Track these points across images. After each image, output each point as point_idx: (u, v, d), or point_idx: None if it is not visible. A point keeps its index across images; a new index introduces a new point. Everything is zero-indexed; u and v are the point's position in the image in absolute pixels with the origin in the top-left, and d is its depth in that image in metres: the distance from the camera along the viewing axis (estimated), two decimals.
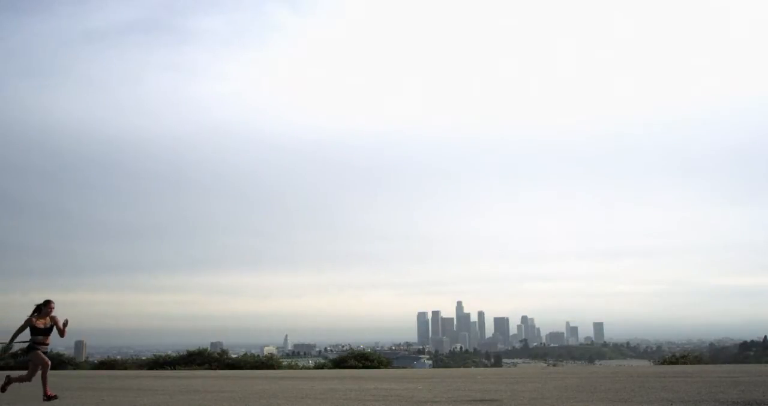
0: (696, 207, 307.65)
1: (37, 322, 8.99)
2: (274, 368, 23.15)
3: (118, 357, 35.42)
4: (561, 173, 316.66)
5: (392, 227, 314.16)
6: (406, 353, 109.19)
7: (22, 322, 8.99)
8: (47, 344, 9.04)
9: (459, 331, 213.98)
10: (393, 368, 24.79)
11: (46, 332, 8.99)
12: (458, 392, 9.01)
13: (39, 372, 9.08)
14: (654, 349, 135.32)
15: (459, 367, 60.56)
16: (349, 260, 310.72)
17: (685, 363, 20.00)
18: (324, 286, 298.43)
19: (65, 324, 9.19)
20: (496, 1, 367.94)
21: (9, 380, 9.36)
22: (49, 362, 9.08)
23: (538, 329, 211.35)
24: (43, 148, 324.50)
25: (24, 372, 9.31)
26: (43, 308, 9.03)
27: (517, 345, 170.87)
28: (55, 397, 8.87)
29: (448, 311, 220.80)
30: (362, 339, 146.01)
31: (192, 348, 25.91)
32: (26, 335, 9.13)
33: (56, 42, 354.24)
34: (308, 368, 25.61)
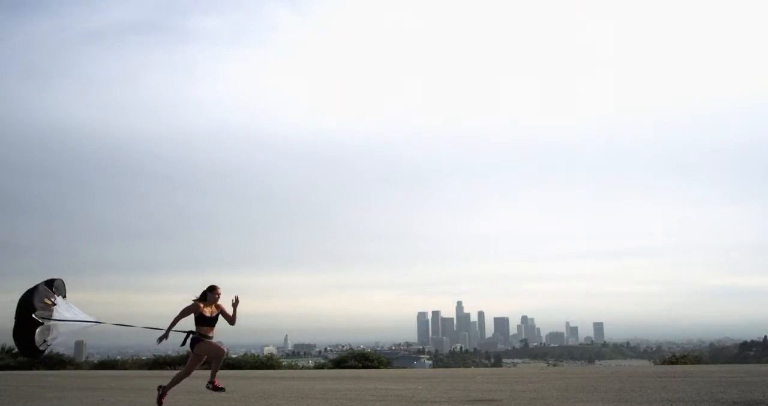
0: (696, 207, 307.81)
1: (205, 310, 7.55)
2: (274, 368, 23.15)
3: (118, 357, 35.40)
4: (561, 173, 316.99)
5: (392, 226, 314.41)
6: (406, 353, 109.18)
7: (184, 307, 7.49)
8: (211, 338, 7.63)
9: (459, 331, 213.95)
10: (393, 368, 24.78)
11: (213, 321, 7.59)
12: (458, 392, 9.01)
13: (182, 370, 7.79)
14: (654, 349, 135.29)
15: (459, 367, 60.57)
16: (349, 259, 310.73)
17: (685, 363, 19.98)
18: (324, 286, 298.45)
19: (236, 304, 7.66)
20: (495, 2, 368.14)
21: (164, 391, 7.92)
22: (225, 350, 7.70)
23: (538, 329, 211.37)
24: (43, 148, 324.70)
25: (178, 370, 8.00)
26: (209, 295, 7.61)
27: (517, 345, 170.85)
28: (222, 389, 7.65)
29: (448, 311, 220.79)
30: (362, 339, 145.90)
31: None
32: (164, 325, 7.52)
33: (56, 42, 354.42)
34: (308, 368, 25.59)
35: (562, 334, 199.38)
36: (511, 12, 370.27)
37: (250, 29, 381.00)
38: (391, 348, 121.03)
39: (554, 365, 54.12)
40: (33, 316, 7.54)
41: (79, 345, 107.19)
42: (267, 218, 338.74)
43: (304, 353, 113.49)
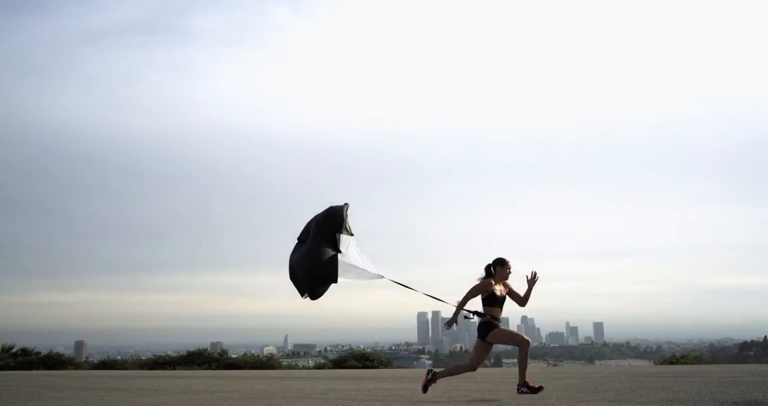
0: (696, 207, 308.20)
1: (495, 287, 6.42)
2: (274, 368, 23.13)
3: (118, 357, 35.36)
4: (560, 173, 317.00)
5: (392, 226, 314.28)
6: (406, 353, 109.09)
7: (472, 286, 6.38)
8: (500, 321, 6.46)
9: (459, 331, 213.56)
10: (393, 368, 24.77)
11: (502, 302, 6.46)
12: (458, 392, 9.00)
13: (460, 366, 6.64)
14: (654, 349, 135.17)
15: None
16: None
17: (685, 363, 19.98)
18: None
19: (533, 281, 6.42)
20: (496, 1, 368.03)
21: (434, 376, 6.73)
22: (529, 340, 6.56)
23: (538, 329, 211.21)
24: (44, 148, 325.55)
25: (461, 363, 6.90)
26: (498, 269, 6.47)
27: None
28: (540, 388, 6.32)
29: (448, 311, 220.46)
30: (362, 339, 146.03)
31: (192, 348, 25.88)
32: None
33: (56, 42, 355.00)
34: (308, 368, 25.59)
35: (562, 334, 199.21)
36: (511, 12, 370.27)
37: (250, 29, 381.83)
38: (391, 348, 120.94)
39: (554, 365, 54.07)
40: (337, 236, 6.17)
41: (78, 345, 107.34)
42: (267, 217, 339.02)
43: (304, 353, 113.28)
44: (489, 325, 6.34)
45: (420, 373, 18.52)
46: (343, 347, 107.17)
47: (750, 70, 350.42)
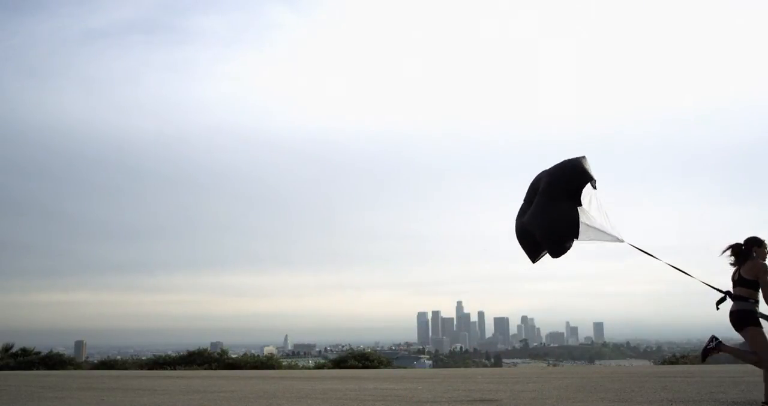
0: (696, 206, 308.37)
1: None
2: (274, 368, 23.11)
3: (118, 357, 35.30)
4: None
5: (392, 226, 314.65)
6: (406, 353, 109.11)
7: (763, 270, 5.40)
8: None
9: (459, 331, 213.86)
10: (393, 368, 24.76)
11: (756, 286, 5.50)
12: (458, 392, 9.01)
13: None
14: (654, 349, 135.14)
15: (459, 367, 60.49)
16: (348, 259, 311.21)
17: (685, 363, 19.97)
18: (324, 286, 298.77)
19: None
20: (496, 1, 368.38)
21: (719, 345, 5.79)
22: None
23: (538, 329, 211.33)
24: (44, 148, 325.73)
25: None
26: (758, 251, 5.55)
27: (517, 345, 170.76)
28: None
29: (448, 311, 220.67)
30: (362, 339, 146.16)
31: (192, 348, 25.84)
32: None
33: (56, 42, 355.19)
34: (308, 368, 25.57)
35: (562, 334, 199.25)
36: (514, 13, 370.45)
37: (250, 29, 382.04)
38: (391, 348, 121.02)
39: (554, 365, 54.05)
40: (580, 190, 5.50)
41: (78, 345, 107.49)
42: (267, 218, 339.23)
43: (304, 353, 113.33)
44: (750, 317, 5.43)
45: (420, 373, 18.52)
46: (343, 347, 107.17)
47: (751, 70, 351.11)
